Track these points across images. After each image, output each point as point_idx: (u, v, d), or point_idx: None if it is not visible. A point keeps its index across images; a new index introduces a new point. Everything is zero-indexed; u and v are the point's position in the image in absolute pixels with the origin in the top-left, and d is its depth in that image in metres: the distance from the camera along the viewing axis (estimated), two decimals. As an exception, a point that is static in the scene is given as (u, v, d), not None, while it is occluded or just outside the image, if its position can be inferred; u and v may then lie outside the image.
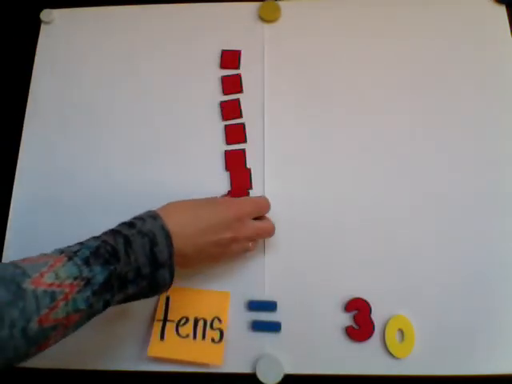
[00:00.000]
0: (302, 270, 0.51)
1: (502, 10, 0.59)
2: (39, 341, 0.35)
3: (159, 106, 0.58)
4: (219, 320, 0.48)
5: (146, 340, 0.48)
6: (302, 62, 0.59)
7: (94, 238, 0.41)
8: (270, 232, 0.49)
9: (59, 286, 0.36)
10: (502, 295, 0.49)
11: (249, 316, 0.49)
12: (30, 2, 0.64)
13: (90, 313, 0.38)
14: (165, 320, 0.49)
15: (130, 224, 0.42)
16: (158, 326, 0.48)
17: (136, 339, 0.49)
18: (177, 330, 0.48)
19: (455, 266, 0.50)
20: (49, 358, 0.49)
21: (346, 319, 0.49)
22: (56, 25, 0.63)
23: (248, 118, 0.57)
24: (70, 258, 0.38)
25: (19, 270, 0.36)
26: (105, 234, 0.41)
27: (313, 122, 0.56)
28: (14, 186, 0.56)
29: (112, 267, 0.38)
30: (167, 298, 0.50)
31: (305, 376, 0.48)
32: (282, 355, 0.48)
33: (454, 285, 0.49)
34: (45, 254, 0.39)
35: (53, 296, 0.35)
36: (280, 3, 0.61)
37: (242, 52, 0.60)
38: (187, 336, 0.48)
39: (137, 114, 0.58)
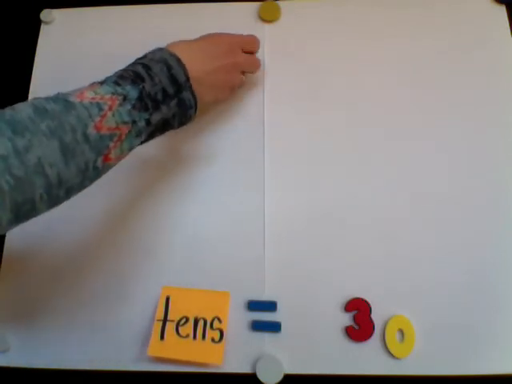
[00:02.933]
0: (301, 269, 0.51)
1: (501, 10, 0.59)
2: (101, 149, 0.38)
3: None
4: (219, 320, 0.48)
5: (146, 340, 0.48)
6: (302, 62, 0.59)
7: (115, 73, 0.43)
8: (256, 64, 0.55)
9: (101, 98, 0.39)
10: (503, 295, 0.49)
11: (249, 316, 0.49)
12: (30, 2, 0.64)
13: (137, 129, 0.41)
14: (165, 320, 0.49)
15: (140, 58, 0.45)
16: (157, 326, 0.48)
17: (136, 339, 0.49)
18: (177, 330, 0.48)
19: (455, 266, 0.50)
20: (49, 358, 0.49)
21: (346, 319, 0.49)
22: (56, 25, 0.63)
23: (248, 118, 0.57)
24: (101, 83, 0.41)
25: (62, 94, 0.39)
26: (122, 70, 0.44)
27: (313, 122, 0.56)
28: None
29: (140, 86, 0.41)
30: (167, 298, 0.50)
31: (305, 376, 0.48)
32: (282, 355, 0.48)
33: (454, 285, 0.49)
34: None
35: (99, 106, 0.38)
36: (280, 3, 0.61)
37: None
38: (187, 336, 0.48)
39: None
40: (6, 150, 0.33)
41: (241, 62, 0.51)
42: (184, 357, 0.47)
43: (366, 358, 0.47)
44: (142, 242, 0.53)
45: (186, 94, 0.44)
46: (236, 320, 0.49)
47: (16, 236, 0.54)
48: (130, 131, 0.40)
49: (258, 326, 0.49)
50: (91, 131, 0.37)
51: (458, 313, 0.48)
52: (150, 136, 0.44)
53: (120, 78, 0.42)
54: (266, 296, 0.50)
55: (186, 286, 0.50)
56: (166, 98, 0.43)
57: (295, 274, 0.51)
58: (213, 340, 0.48)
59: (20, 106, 0.38)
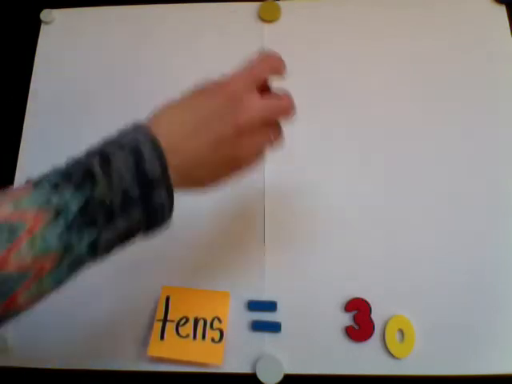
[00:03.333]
0: (302, 270, 0.51)
1: (501, 10, 0.59)
2: (3, 292, 0.27)
3: (159, 106, 0.58)
4: (219, 320, 0.48)
5: (146, 340, 0.48)
6: (301, 62, 0.59)
7: (68, 162, 0.32)
8: (286, 108, 0.37)
9: (21, 217, 0.27)
10: (502, 295, 0.49)
11: (249, 316, 0.49)
12: (30, 2, 0.64)
13: (71, 259, 0.29)
14: (165, 320, 0.49)
15: (107, 140, 0.33)
16: (158, 326, 0.48)
17: (136, 339, 0.49)
18: (177, 330, 0.48)
19: (455, 266, 0.50)
20: (49, 358, 0.49)
21: (346, 319, 0.49)
22: (56, 25, 0.63)
23: (248, 117, 0.57)
24: (35, 185, 0.30)
25: None
26: (79, 156, 0.32)
27: (313, 122, 0.56)
28: (14, 187, 0.56)
29: (88, 192, 0.29)
30: (167, 298, 0.50)
31: (305, 376, 0.47)
32: (282, 355, 0.48)
33: (454, 285, 0.49)
34: (9, 188, 0.31)
35: (11, 230, 0.27)
36: (280, 3, 0.61)
37: (243, 52, 0.59)
38: (187, 336, 0.48)
39: (137, 113, 0.58)
40: None
41: (252, 117, 0.34)
42: (184, 357, 0.47)
43: (366, 358, 0.47)
44: (142, 241, 0.53)
45: (157, 193, 0.31)
46: (236, 320, 0.49)
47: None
48: (59, 262, 0.29)
49: (257, 326, 0.49)
50: None
51: (458, 313, 0.48)
52: (103, 255, 0.32)
53: (64, 177, 0.30)
54: (266, 296, 0.50)
55: (186, 286, 0.50)
56: (125, 205, 0.30)
57: (295, 274, 0.51)
58: (213, 340, 0.48)
59: None
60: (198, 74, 0.59)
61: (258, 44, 0.60)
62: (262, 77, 0.37)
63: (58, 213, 0.29)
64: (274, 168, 0.55)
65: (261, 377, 0.47)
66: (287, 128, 0.58)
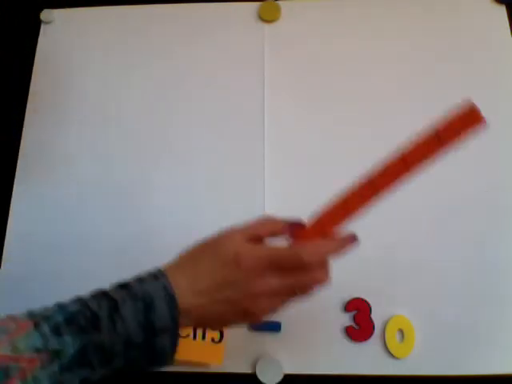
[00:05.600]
0: (302, 269, 0.51)
1: (501, 10, 0.59)
2: None
3: (159, 106, 0.58)
4: (219, 320, 0.48)
5: (145, 340, 0.48)
6: (301, 62, 0.59)
7: (78, 299, 0.33)
8: (309, 285, 0.36)
9: (17, 360, 0.28)
10: (503, 295, 0.49)
11: (249, 316, 0.49)
12: (30, 2, 0.64)
13: None
14: (165, 320, 0.49)
15: (123, 285, 0.34)
16: (157, 326, 0.48)
17: (136, 339, 0.49)
18: (177, 330, 0.48)
19: (455, 266, 0.50)
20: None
21: (346, 319, 0.49)
22: (56, 25, 0.63)
23: (248, 117, 0.57)
24: (36, 325, 0.30)
25: None
26: (92, 295, 0.34)
27: (313, 122, 0.56)
28: (14, 187, 0.56)
29: (88, 336, 0.30)
30: (167, 298, 0.50)
31: (305, 376, 0.47)
32: (282, 355, 0.48)
33: (454, 285, 0.49)
34: (12, 317, 0.32)
35: (5, 372, 0.28)
36: (280, 3, 0.61)
37: (243, 52, 0.60)
38: (187, 336, 0.48)
39: (136, 113, 0.58)
40: None
41: (265, 292, 0.34)
42: (184, 357, 0.47)
43: (366, 358, 0.47)
44: (142, 241, 0.53)
45: (160, 340, 0.32)
46: (236, 320, 0.49)
47: (16, 236, 0.54)
48: None
49: (257, 326, 0.49)
50: None
51: (458, 313, 0.48)
52: None
53: (67, 321, 0.31)
54: (266, 296, 0.50)
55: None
56: (126, 350, 0.31)
57: (295, 273, 0.50)
58: (213, 340, 0.48)
59: None
60: (198, 73, 0.60)
61: (258, 44, 0.60)
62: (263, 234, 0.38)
63: (54, 356, 0.29)
64: (274, 168, 0.55)
65: (261, 377, 0.47)
66: (288, 128, 0.57)
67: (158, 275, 0.34)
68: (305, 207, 0.53)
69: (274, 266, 0.34)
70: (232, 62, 0.60)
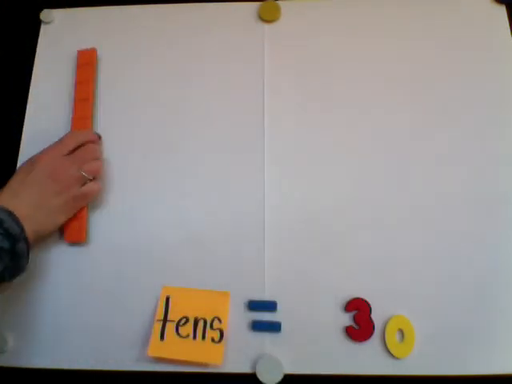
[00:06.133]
0: (302, 269, 0.51)
1: (501, 10, 0.59)
2: None
3: (158, 106, 0.58)
4: (219, 320, 0.48)
5: (146, 340, 0.48)
6: (302, 62, 0.59)
7: None
8: (94, 169, 0.52)
9: None
10: (502, 295, 0.49)
11: (249, 316, 0.49)
12: (30, 2, 0.64)
13: None
14: (165, 320, 0.49)
15: None
16: (158, 326, 0.48)
17: (136, 339, 0.49)
18: (177, 330, 0.48)
19: (455, 266, 0.50)
20: (49, 358, 0.49)
21: (346, 319, 0.49)
22: (56, 25, 0.63)
23: (248, 117, 0.57)
24: None
25: None
26: None
27: (313, 122, 0.56)
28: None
29: None
30: (167, 298, 0.50)
31: (305, 376, 0.47)
32: (282, 355, 0.48)
33: (454, 285, 0.49)
34: None
35: None
36: (280, 3, 0.61)
37: (243, 52, 0.60)
38: (187, 336, 0.48)
39: (136, 113, 0.58)
40: None
41: (74, 178, 0.50)
42: (184, 357, 0.47)
43: (366, 358, 0.47)
44: (142, 241, 0.53)
45: (21, 246, 0.44)
46: (236, 320, 0.49)
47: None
48: None
49: (257, 326, 0.49)
50: None
51: (458, 313, 0.48)
52: None
53: None
54: (266, 296, 0.50)
55: (186, 286, 0.50)
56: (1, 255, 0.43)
57: (295, 273, 0.51)
58: (213, 340, 0.48)
59: None
60: (198, 73, 0.60)
61: (258, 44, 0.60)
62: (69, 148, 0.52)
63: None
64: (274, 168, 0.55)
65: (261, 377, 0.47)
66: (288, 128, 0.58)
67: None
68: (305, 207, 0.53)
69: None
70: (232, 62, 0.60)
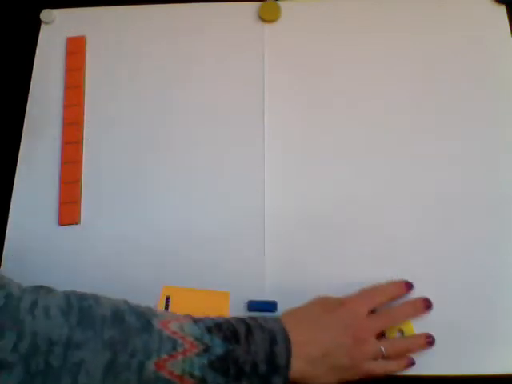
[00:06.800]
0: (302, 269, 0.51)
1: (501, 10, 0.59)
2: None
3: (158, 106, 0.58)
4: (219, 320, 0.48)
5: (145, 340, 0.48)
6: (302, 62, 0.59)
7: (220, 319, 0.39)
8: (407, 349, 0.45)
9: (182, 338, 0.35)
10: (503, 295, 0.49)
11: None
12: (30, 2, 0.64)
13: None
14: (165, 320, 0.49)
15: (251, 317, 0.40)
16: (157, 326, 0.48)
17: (136, 339, 0.49)
18: (177, 330, 0.48)
19: (455, 267, 0.50)
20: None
21: (346, 319, 0.49)
22: (56, 25, 0.63)
23: (248, 117, 0.57)
24: (194, 321, 0.37)
25: (151, 311, 0.37)
26: (224, 318, 0.40)
27: (313, 122, 0.56)
28: (14, 186, 0.56)
29: (231, 346, 0.36)
30: (167, 298, 0.50)
31: (305, 376, 0.47)
32: (282, 355, 0.48)
33: (454, 285, 0.49)
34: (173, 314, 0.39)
35: (174, 345, 0.34)
36: (280, 3, 0.61)
37: (243, 52, 0.60)
38: (187, 336, 0.48)
39: (136, 112, 0.58)
40: (58, 336, 0.32)
41: (369, 356, 0.42)
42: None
43: (366, 358, 0.47)
44: (142, 241, 0.53)
45: (276, 379, 0.37)
46: (236, 320, 0.49)
47: (16, 236, 0.54)
48: None
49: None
50: (149, 365, 0.33)
51: (458, 313, 0.48)
52: None
53: (216, 327, 0.37)
54: (266, 296, 0.50)
55: (186, 286, 0.50)
56: (251, 374, 0.36)
57: (295, 274, 0.51)
58: (213, 340, 0.48)
59: (106, 302, 0.37)
60: (198, 73, 0.60)
61: (258, 44, 0.60)
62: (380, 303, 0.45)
63: (206, 350, 0.35)
64: (274, 168, 0.55)
65: (261, 377, 0.47)
66: (288, 128, 0.58)
67: (276, 319, 0.40)
68: (305, 206, 0.53)
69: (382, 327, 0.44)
70: (232, 62, 0.60)
